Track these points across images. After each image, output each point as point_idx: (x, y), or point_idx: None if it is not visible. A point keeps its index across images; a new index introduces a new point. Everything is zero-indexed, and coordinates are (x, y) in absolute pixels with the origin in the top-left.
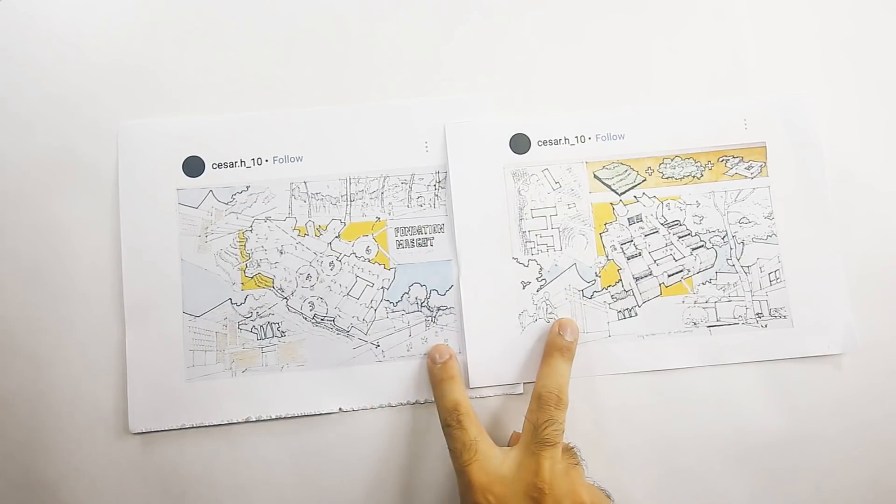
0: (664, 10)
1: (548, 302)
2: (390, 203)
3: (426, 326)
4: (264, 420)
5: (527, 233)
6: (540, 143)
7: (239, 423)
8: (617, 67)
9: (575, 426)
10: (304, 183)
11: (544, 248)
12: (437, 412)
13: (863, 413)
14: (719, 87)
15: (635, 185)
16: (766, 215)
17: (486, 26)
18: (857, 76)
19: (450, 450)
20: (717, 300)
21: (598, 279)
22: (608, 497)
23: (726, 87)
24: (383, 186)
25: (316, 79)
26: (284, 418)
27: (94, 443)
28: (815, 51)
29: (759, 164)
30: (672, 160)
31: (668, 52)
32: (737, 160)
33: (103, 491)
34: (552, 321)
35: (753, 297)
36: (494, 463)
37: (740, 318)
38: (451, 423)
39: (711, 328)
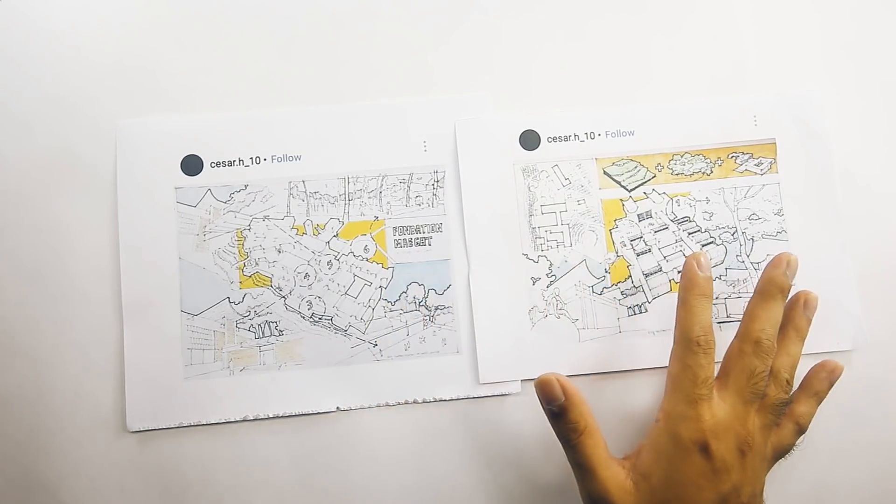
0: (666, 8)
1: (558, 298)
2: (388, 202)
3: (424, 326)
4: (262, 419)
5: (536, 229)
6: (549, 140)
7: (237, 421)
8: (619, 65)
9: None
10: (303, 182)
11: (554, 244)
12: (679, 330)
13: (871, 409)
14: (726, 83)
15: (645, 182)
16: (775, 212)
17: (485, 26)
18: (860, 73)
19: (686, 370)
20: (726, 296)
21: (607, 275)
22: (784, 457)
23: (733, 83)
24: (381, 186)
25: (315, 78)
26: (282, 417)
27: (92, 442)
28: (820, 47)
29: (769, 160)
30: (682, 156)
31: (672, 49)
32: (746, 157)
33: (102, 490)
34: (562, 317)
35: None
36: (716, 404)
37: None
38: (702, 345)
39: (721, 324)
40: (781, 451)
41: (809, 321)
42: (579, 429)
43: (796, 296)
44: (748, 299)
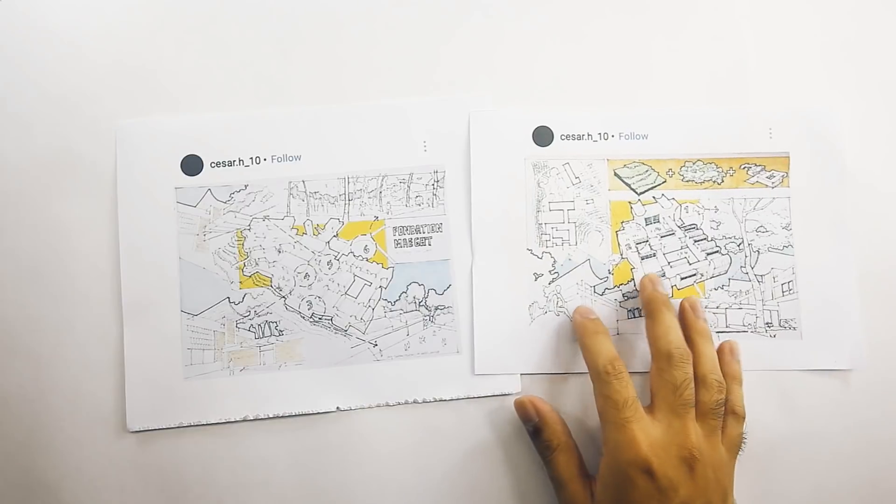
0: (680, 13)
1: (559, 295)
2: (388, 202)
3: (424, 326)
4: (262, 419)
5: (543, 225)
6: (562, 137)
7: (237, 421)
8: (630, 70)
9: (575, 424)
10: (303, 182)
11: (559, 241)
12: (591, 366)
13: (867, 431)
14: (743, 92)
15: (655, 186)
16: (783, 225)
17: (486, 26)
18: (879, 95)
19: (606, 399)
20: (727, 307)
21: (610, 276)
22: (739, 450)
23: (750, 93)
24: (381, 186)
25: (315, 78)
26: (282, 417)
27: (93, 442)
28: (841, 65)
29: (781, 173)
30: (694, 163)
31: (684, 54)
32: (759, 168)
33: (103, 490)
34: (562, 314)
35: (764, 307)
36: (648, 424)
37: (749, 327)
38: (611, 373)
39: (720, 334)
40: (737, 446)
41: (706, 321)
42: (552, 447)
43: (681, 306)
44: (748, 311)
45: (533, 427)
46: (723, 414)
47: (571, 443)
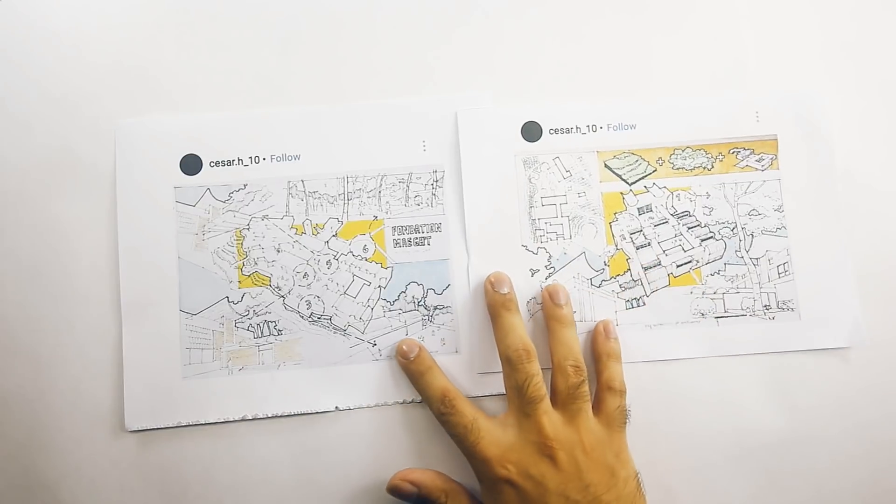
0: (668, 7)
1: None
2: (388, 202)
3: (423, 325)
4: (261, 418)
5: (536, 220)
6: (551, 132)
7: (236, 421)
8: (620, 64)
9: None
10: (302, 181)
11: (553, 236)
12: (428, 407)
13: (867, 409)
14: (728, 79)
15: (646, 176)
16: (775, 208)
17: (485, 25)
18: (861, 73)
19: (452, 437)
20: (725, 291)
21: (606, 268)
22: (623, 422)
23: (735, 79)
24: (381, 185)
25: (314, 77)
26: (281, 416)
27: (92, 441)
28: (821, 47)
29: (770, 156)
30: (683, 151)
31: (674, 47)
32: (748, 152)
33: (102, 489)
34: None
35: (761, 290)
36: (499, 434)
37: (748, 310)
38: (444, 411)
39: (719, 319)
40: (618, 420)
41: (562, 306)
42: (441, 501)
43: (542, 295)
44: (745, 295)
45: (416, 497)
46: (585, 395)
47: (456, 486)
